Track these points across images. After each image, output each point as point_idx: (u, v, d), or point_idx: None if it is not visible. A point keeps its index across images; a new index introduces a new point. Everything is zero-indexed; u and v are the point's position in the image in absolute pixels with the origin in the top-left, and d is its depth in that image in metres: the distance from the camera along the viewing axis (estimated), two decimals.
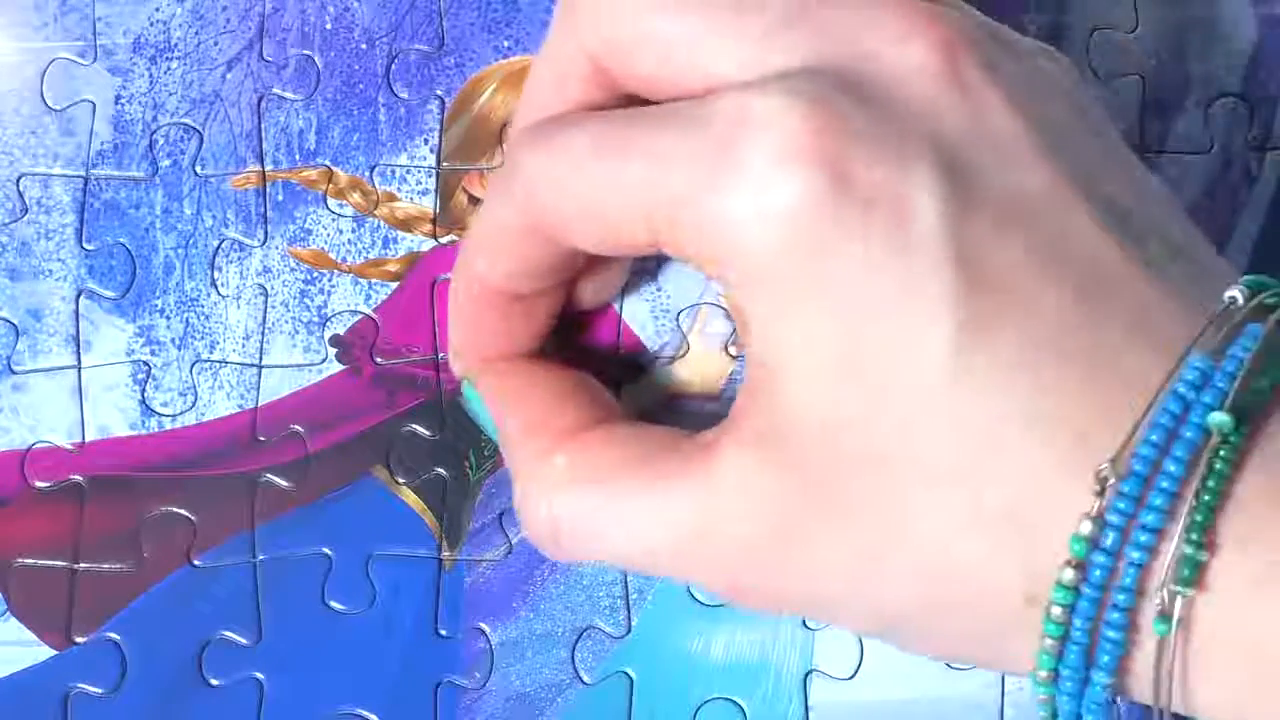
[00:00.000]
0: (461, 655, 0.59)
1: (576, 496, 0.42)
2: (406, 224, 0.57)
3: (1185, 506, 0.32)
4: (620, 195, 0.35)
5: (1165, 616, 0.33)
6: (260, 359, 0.58)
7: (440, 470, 0.58)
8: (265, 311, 0.58)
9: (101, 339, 0.58)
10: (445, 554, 0.58)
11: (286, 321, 0.58)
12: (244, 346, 0.58)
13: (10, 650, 0.59)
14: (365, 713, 0.59)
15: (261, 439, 0.58)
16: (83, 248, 0.58)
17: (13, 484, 0.59)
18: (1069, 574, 0.33)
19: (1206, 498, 0.32)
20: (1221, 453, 0.32)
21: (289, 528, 0.59)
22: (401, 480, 0.58)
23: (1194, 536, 0.32)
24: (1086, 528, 0.32)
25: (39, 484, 0.59)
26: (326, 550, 0.59)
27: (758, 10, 0.35)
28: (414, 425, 0.58)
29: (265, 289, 0.58)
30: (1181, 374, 0.33)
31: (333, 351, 0.58)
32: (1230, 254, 0.60)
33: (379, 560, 0.59)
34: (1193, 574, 0.32)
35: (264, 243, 0.58)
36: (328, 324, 0.58)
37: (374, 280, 0.58)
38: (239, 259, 0.58)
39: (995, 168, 0.34)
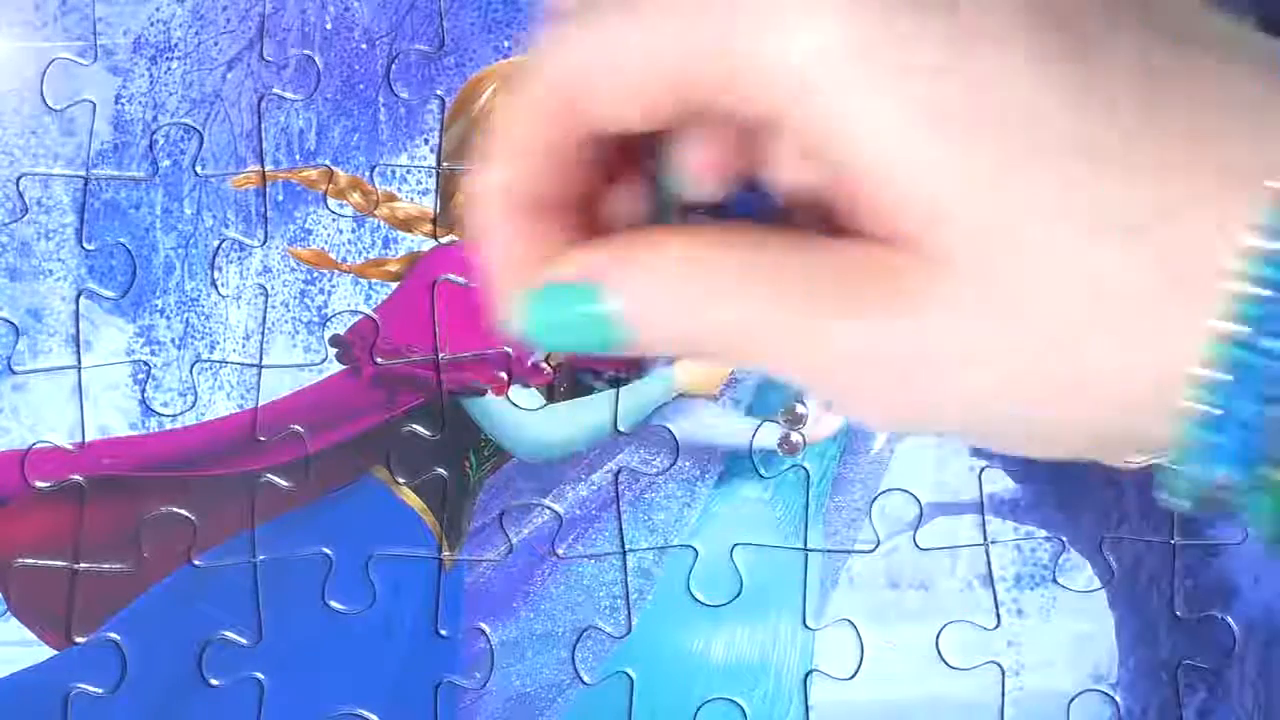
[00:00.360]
0: (462, 655, 0.59)
1: (728, 296, 0.40)
2: (407, 224, 0.57)
3: None
4: (653, 45, 0.35)
5: None
6: (260, 359, 0.58)
7: (440, 470, 0.58)
8: (265, 311, 0.58)
9: (102, 339, 0.58)
10: (445, 554, 0.58)
11: (287, 321, 0.58)
12: (244, 346, 0.58)
13: (10, 650, 0.59)
14: (365, 712, 0.59)
15: (262, 439, 0.58)
16: (83, 248, 0.58)
17: (13, 484, 0.59)
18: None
19: None
20: None
21: (289, 528, 0.59)
22: (402, 480, 0.58)
23: None
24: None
25: (39, 484, 0.59)
26: (327, 550, 0.59)
27: None
28: (414, 425, 0.58)
29: (265, 289, 0.58)
30: None
31: (333, 351, 0.58)
32: None
33: (379, 560, 0.58)
34: None
35: (264, 243, 0.58)
36: (328, 324, 0.58)
37: (374, 280, 0.58)
38: (239, 259, 0.58)
39: None
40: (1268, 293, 0.34)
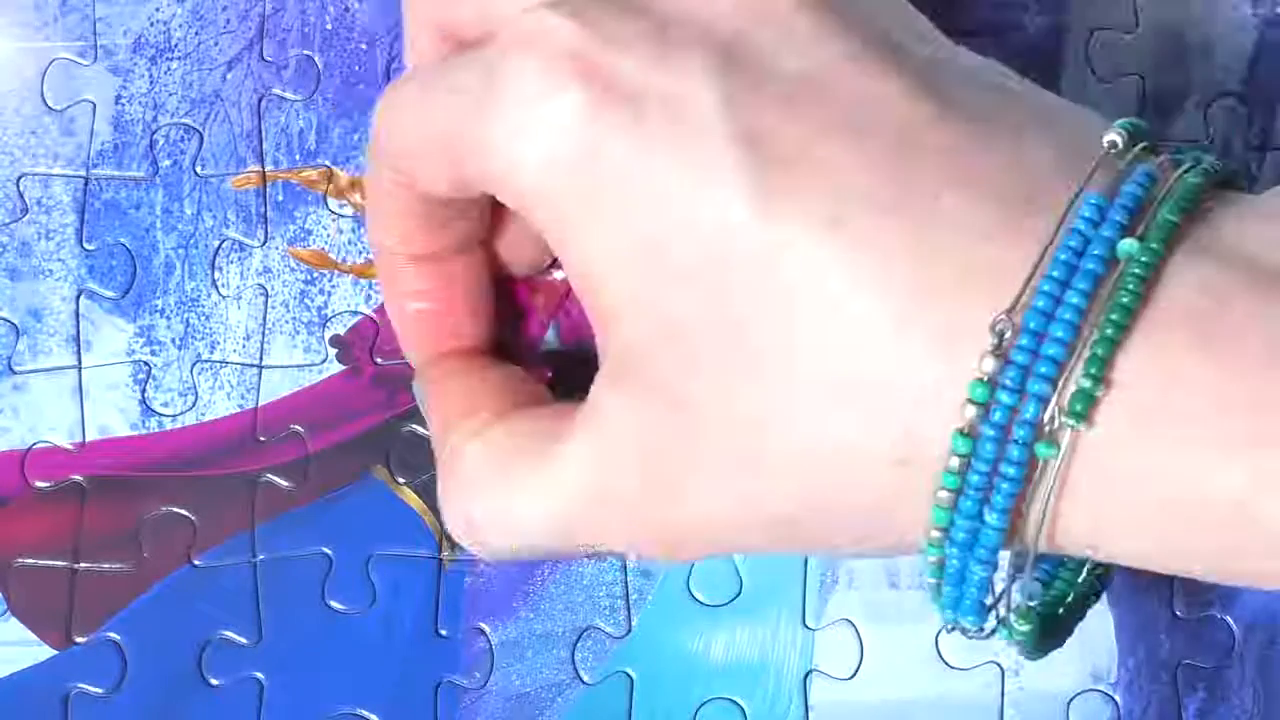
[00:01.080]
0: (462, 655, 0.59)
1: (483, 491, 0.41)
2: None
3: (1087, 339, 0.31)
4: (428, 131, 0.36)
5: (1052, 443, 0.32)
6: (261, 359, 0.58)
7: None
8: (265, 312, 0.58)
9: (102, 339, 0.58)
10: (445, 554, 0.58)
11: (287, 322, 0.58)
12: (244, 347, 0.58)
13: (10, 650, 0.59)
14: (365, 713, 0.59)
15: (262, 439, 0.58)
16: (83, 248, 0.58)
17: (13, 484, 0.59)
18: (971, 412, 0.32)
19: (1109, 330, 0.31)
20: (1128, 283, 0.31)
21: (289, 527, 0.59)
22: (402, 480, 0.58)
23: (1092, 370, 0.31)
24: (990, 365, 0.32)
25: (39, 484, 0.59)
26: (327, 550, 0.59)
27: None
28: (414, 425, 0.58)
29: (265, 289, 0.58)
30: (1079, 211, 0.32)
31: (333, 352, 0.58)
32: None
33: (379, 560, 0.59)
34: (1085, 408, 0.31)
35: (264, 243, 0.58)
36: (328, 324, 0.58)
37: (374, 280, 0.58)
38: (239, 259, 0.58)
39: (778, 49, 0.34)
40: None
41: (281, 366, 0.58)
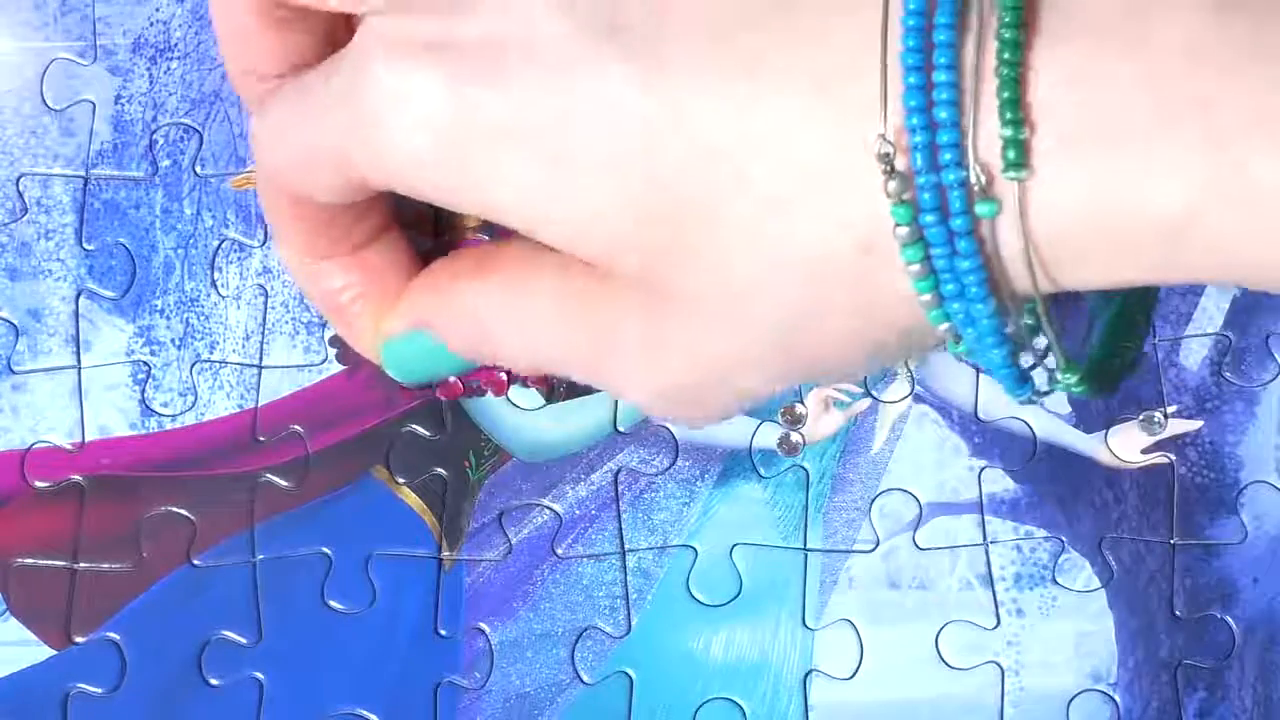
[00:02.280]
0: (462, 655, 0.59)
1: (500, 291, 0.42)
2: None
3: (984, 87, 0.31)
4: (312, 154, 0.37)
5: (991, 200, 0.32)
6: (260, 359, 0.58)
7: (440, 470, 0.58)
8: (265, 312, 0.58)
9: (101, 339, 0.58)
10: (445, 554, 0.58)
11: (287, 322, 0.58)
12: (244, 347, 0.58)
13: (10, 650, 0.59)
14: (365, 712, 0.59)
15: (261, 439, 0.58)
16: (83, 248, 0.58)
17: (13, 484, 0.59)
18: (893, 187, 0.32)
19: (1006, 70, 0.30)
20: (1006, 19, 0.30)
21: (289, 527, 0.59)
22: (401, 480, 0.58)
23: (1007, 115, 0.31)
24: (886, 144, 0.31)
25: (39, 484, 0.59)
26: (326, 550, 0.59)
27: None
28: (414, 425, 0.58)
29: (265, 289, 0.58)
30: None
31: (333, 352, 0.58)
32: None
33: (379, 560, 0.59)
34: (1018, 155, 0.31)
35: (264, 243, 0.58)
36: (328, 324, 0.58)
37: None
38: (239, 259, 0.58)
39: None
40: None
41: (281, 367, 0.58)
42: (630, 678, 0.59)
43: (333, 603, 0.59)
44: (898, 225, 0.34)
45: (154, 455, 0.58)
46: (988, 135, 0.33)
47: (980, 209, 0.33)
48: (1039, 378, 0.38)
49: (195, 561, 0.59)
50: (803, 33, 0.35)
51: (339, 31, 0.46)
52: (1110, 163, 0.32)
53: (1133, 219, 0.32)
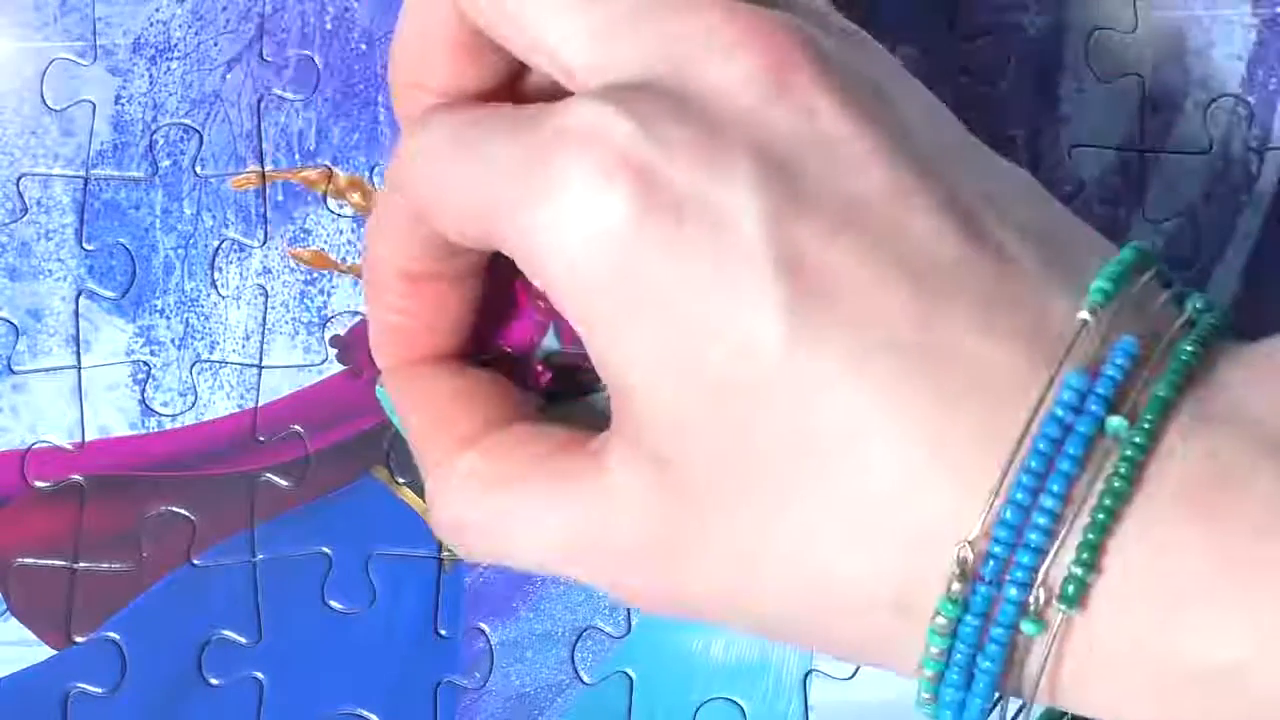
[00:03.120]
0: (461, 655, 0.59)
1: (482, 499, 0.41)
2: None
3: (1076, 522, 0.31)
4: (460, 194, 0.36)
5: (1039, 621, 0.32)
6: (260, 359, 0.58)
7: None
8: (265, 312, 0.58)
9: (101, 339, 0.58)
10: (445, 553, 0.58)
11: (286, 322, 0.58)
12: (244, 347, 0.58)
13: (10, 650, 0.59)
14: (365, 712, 0.59)
15: (261, 439, 0.58)
16: (83, 248, 0.58)
17: (13, 484, 0.59)
18: (955, 587, 0.32)
19: (1101, 516, 0.31)
20: (1120, 467, 0.31)
21: (289, 527, 0.59)
22: (402, 480, 0.58)
23: (1084, 557, 0.31)
24: (969, 548, 0.31)
25: (39, 484, 0.59)
26: (326, 550, 0.59)
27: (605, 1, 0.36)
28: None
29: (265, 289, 0.58)
30: (1063, 387, 0.32)
31: (333, 352, 0.58)
32: (1230, 254, 0.60)
33: (379, 560, 0.59)
34: (1078, 593, 0.31)
35: (264, 243, 0.58)
36: (328, 324, 0.58)
37: None
38: (239, 259, 0.58)
39: (825, 171, 0.33)
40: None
41: (281, 367, 0.58)
42: (630, 678, 0.59)
43: (333, 602, 0.59)
44: (938, 615, 0.34)
45: (154, 455, 0.58)
46: (1059, 565, 0.33)
47: (1026, 627, 0.33)
48: None
49: (195, 561, 0.59)
50: (955, 387, 0.34)
51: (519, 79, 0.46)
52: (1166, 616, 0.32)
53: (1175, 670, 0.32)
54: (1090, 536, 0.31)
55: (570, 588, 0.59)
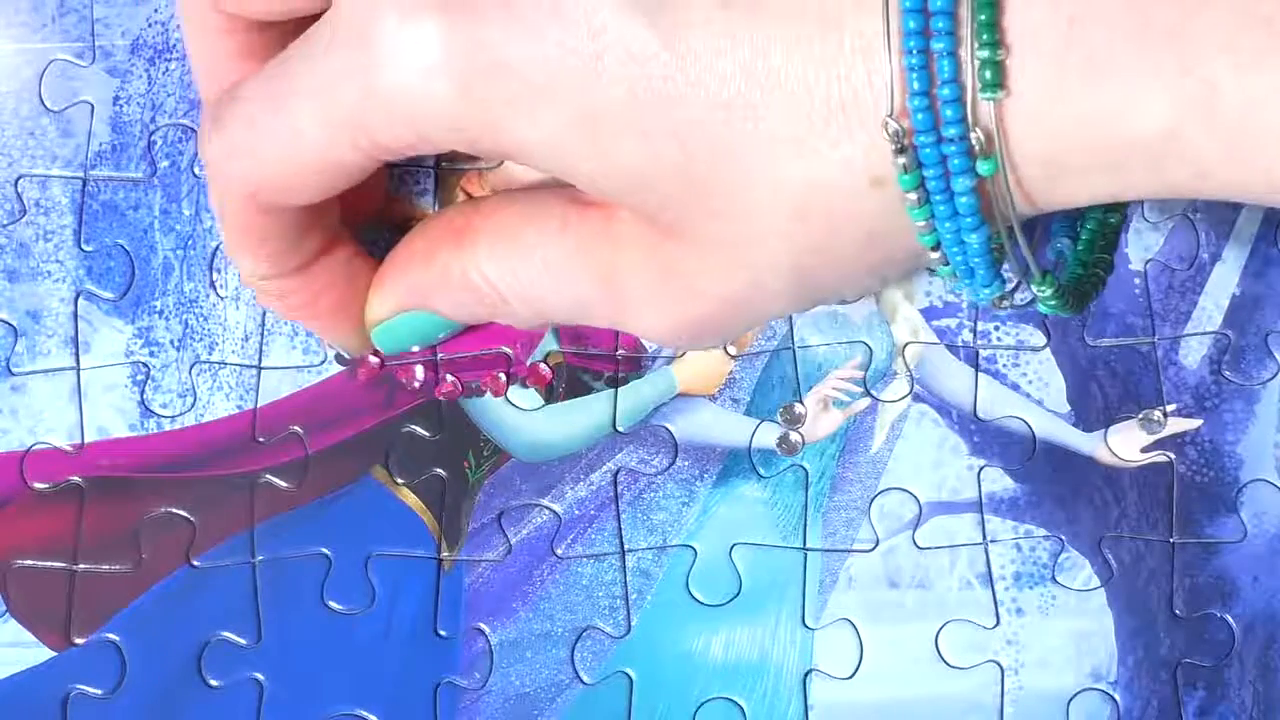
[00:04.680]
0: (461, 655, 0.59)
1: (492, 253, 0.42)
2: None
3: (966, 27, 0.31)
4: (311, 136, 0.36)
5: (989, 158, 0.32)
6: (259, 360, 0.58)
7: (439, 470, 0.58)
8: (264, 313, 0.58)
9: (100, 340, 0.58)
10: (445, 554, 0.58)
11: (285, 323, 0.58)
12: (243, 348, 0.58)
13: (9, 651, 0.59)
14: (365, 713, 0.59)
15: (261, 440, 0.58)
16: (81, 249, 0.58)
17: (12, 485, 0.59)
18: (902, 161, 0.33)
19: None
20: None
21: (288, 528, 0.59)
22: (400, 480, 0.58)
23: (984, 37, 0.31)
24: (892, 121, 0.32)
25: (38, 485, 0.59)
26: (326, 550, 0.59)
27: None
28: (413, 425, 0.58)
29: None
30: None
31: (331, 353, 0.58)
32: (1228, 253, 0.60)
33: (378, 560, 0.59)
34: (995, 76, 0.32)
35: None
36: None
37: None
38: None
39: None
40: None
41: (280, 368, 0.58)
42: (630, 678, 0.59)
43: (332, 603, 0.59)
44: (906, 192, 0.35)
45: (153, 456, 0.58)
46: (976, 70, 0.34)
47: (981, 167, 0.34)
48: (1018, 296, 0.39)
49: (195, 562, 0.59)
50: None
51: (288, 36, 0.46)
52: (1089, 85, 0.33)
53: (1113, 139, 0.33)
54: (982, 17, 0.31)
55: (570, 587, 0.59)
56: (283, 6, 0.41)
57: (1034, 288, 0.38)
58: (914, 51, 0.32)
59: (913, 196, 0.35)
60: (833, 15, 0.33)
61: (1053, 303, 0.39)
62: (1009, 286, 0.38)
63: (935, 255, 0.36)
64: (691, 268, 0.38)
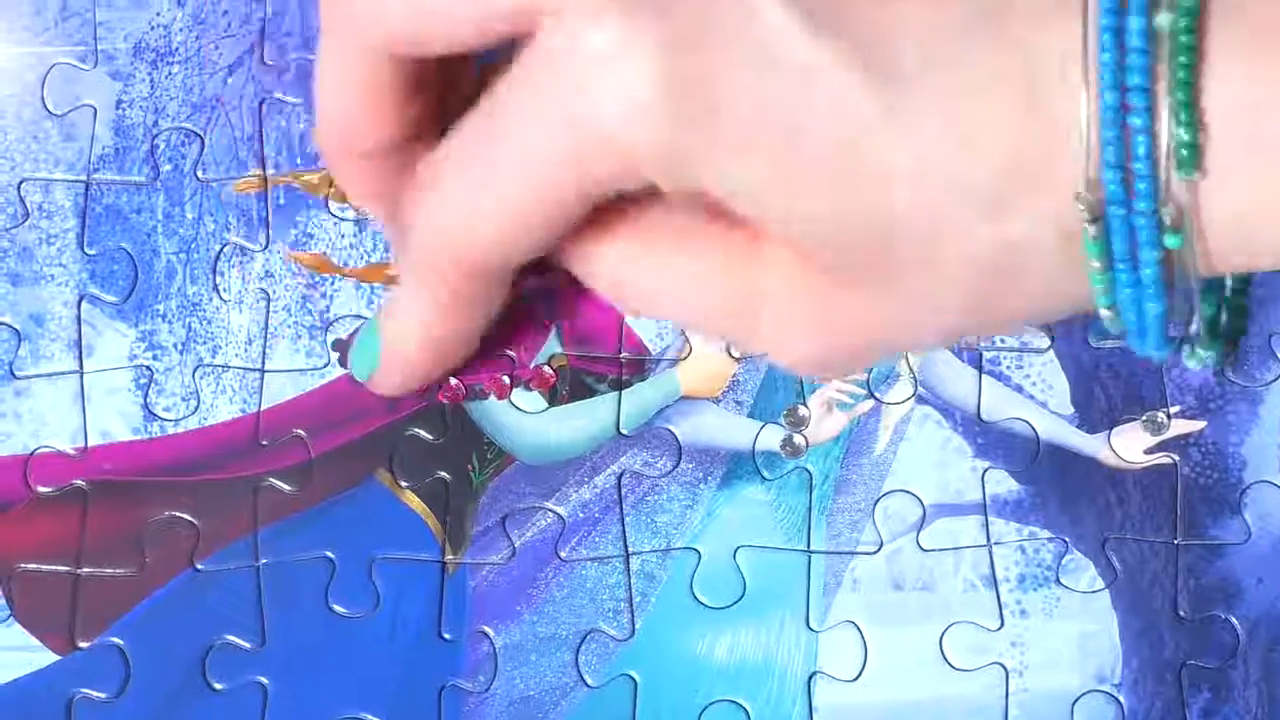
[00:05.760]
0: (465, 659, 0.59)
1: (633, 262, 0.42)
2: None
3: (1166, 105, 0.32)
4: (536, 183, 0.36)
5: (1177, 232, 0.33)
6: (263, 363, 0.58)
7: (443, 473, 0.58)
8: (268, 316, 0.58)
9: (104, 344, 0.58)
10: (449, 557, 0.58)
11: (289, 326, 0.58)
12: (246, 351, 0.58)
13: (13, 655, 0.59)
14: (369, 717, 0.59)
15: (264, 443, 0.58)
16: (84, 253, 0.58)
17: (15, 489, 0.59)
18: (1092, 231, 0.33)
19: (1180, 74, 0.31)
20: (1183, 24, 0.31)
21: (292, 531, 0.59)
22: (404, 484, 0.58)
23: (1182, 117, 0.32)
24: (1086, 186, 0.32)
25: (41, 489, 0.59)
26: (329, 554, 0.59)
27: None
28: (417, 429, 0.58)
29: (267, 294, 0.58)
30: None
31: (335, 356, 0.58)
32: None
33: (382, 564, 0.59)
34: (1191, 156, 0.32)
35: (266, 247, 0.58)
36: (330, 328, 0.58)
37: (376, 285, 0.58)
38: (241, 263, 0.58)
39: None
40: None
41: (283, 371, 0.58)
42: (634, 680, 0.59)
43: (336, 607, 0.59)
44: (1091, 260, 0.35)
45: (157, 460, 0.58)
46: (1170, 156, 0.34)
47: (1169, 240, 0.34)
48: (1186, 356, 0.39)
49: (198, 566, 0.59)
50: (1013, 40, 0.35)
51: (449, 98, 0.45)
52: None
53: None
54: (1180, 96, 0.31)
55: (574, 590, 0.59)
56: (473, 34, 0.40)
57: (1200, 347, 0.38)
58: (1110, 123, 0.32)
59: (1096, 264, 0.35)
60: (1036, 84, 0.33)
61: (1211, 356, 0.39)
62: (1176, 347, 0.38)
63: (1108, 314, 0.37)
64: (856, 308, 0.38)
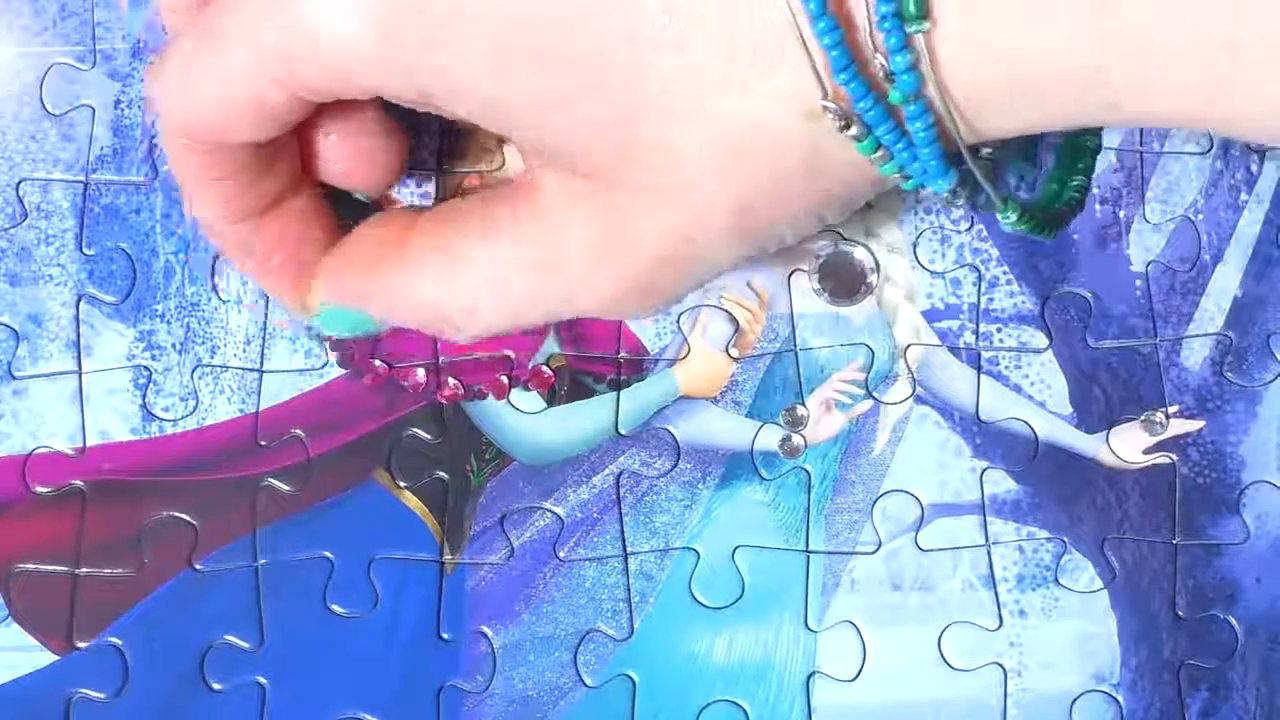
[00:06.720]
0: (464, 659, 0.59)
1: (431, 272, 0.42)
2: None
3: None
4: (237, 72, 0.36)
5: (909, 49, 0.33)
6: (261, 363, 0.58)
7: (441, 473, 0.58)
8: (266, 316, 0.58)
9: (102, 344, 0.58)
10: (447, 557, 0.58)
11: (287, 326, 0.58)
12: (245, 351, 0.58)
13: (11, 656, 0.59)
14: (368, 717, 0.59)
15: (263, 443, 0.58)
16: (83, 253, 0.58)
17: (13, 489, 0.59)
18: (854, 130, 0.33)
19: None
20: None
21: (290, 531, 0.59)
22: (403, 483, 0.58)
23: None
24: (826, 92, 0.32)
25: (40, 489, 0.59)
26: (328, 554, 0.59)
27: None
28: (415, 429, 0.58)
29: (266, 294, 0.58)
30: None
31: (334, 356, 0.58)
32: (1230, 254, 0.60)
33: (381, 564, 0.59)
34: (920, 7, 0.32)
35: None
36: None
37: None
38: None
39: None
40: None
41: (282, 371, 0.58)
42: (633, 680, 0.59)
43: (335, 607, 0.59)
44: (856, 143, 0.35)
45: (155, 460, 0.58)
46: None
47: (907, 79, 0.34)
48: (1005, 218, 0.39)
49: (197, 566, 0.59)
50: None
51: None
52: (1014, 19, 0.34)
53: (1041, 73, 0.33)
54: None
55: (572, 590, 0.59)
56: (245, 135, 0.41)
57: (999, 215, 0.39)
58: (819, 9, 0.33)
59: (878, 155, 0.35)
60: None
61: (1021, 224, 0.39)
62: (959, 183, 0.37)
63: (895, 177, 0.37)
64: (629, 220, 0.38)
